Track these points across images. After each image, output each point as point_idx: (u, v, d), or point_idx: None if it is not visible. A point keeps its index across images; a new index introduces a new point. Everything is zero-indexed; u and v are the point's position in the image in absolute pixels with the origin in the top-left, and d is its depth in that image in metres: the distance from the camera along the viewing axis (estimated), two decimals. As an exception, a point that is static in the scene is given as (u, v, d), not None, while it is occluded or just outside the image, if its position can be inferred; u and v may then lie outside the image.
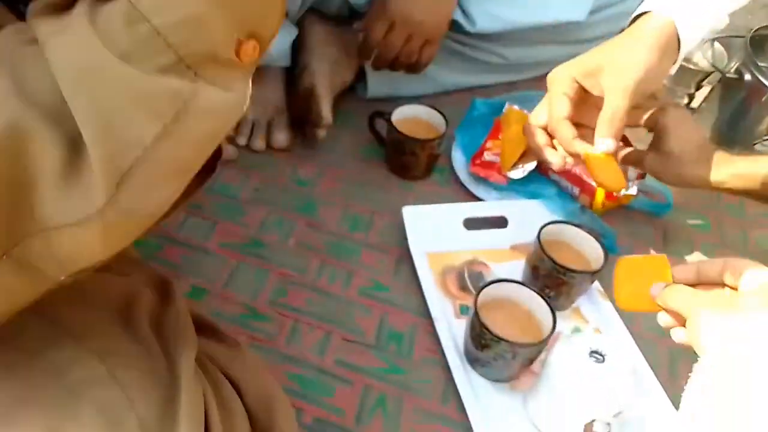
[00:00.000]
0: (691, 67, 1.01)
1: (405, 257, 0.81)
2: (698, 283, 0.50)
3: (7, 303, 0.34)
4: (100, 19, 0.30)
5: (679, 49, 0.68)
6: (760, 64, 0.94)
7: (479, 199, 0.90)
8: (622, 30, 0.74)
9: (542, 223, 0.76)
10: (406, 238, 0.81)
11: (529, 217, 0.84)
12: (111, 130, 0.30)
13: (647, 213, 0.92)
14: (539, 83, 1.09)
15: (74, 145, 0.30)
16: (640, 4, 1.02)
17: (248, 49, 0.33)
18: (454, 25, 0.98)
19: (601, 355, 0.61)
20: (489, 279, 0.78)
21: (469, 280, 0.79)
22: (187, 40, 0.30)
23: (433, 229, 0.82)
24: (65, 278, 0.33)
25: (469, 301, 0.76)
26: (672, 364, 0.73)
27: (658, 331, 0.52)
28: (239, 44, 0.32)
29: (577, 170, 0.88)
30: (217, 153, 0.39)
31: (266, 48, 0.34)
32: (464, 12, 0.97)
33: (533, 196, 0.90)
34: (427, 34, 0.91)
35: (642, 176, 0.89)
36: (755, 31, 0.97)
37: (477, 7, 0.96)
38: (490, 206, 0.87)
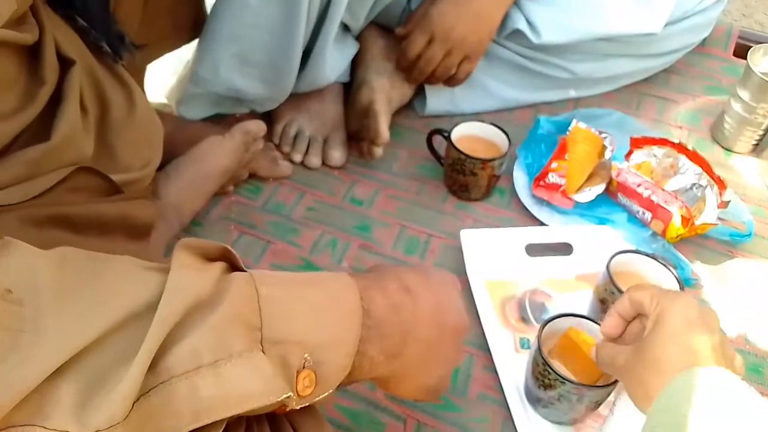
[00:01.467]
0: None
1: (462, 284, 0.77)
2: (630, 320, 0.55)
3: None
4: None
5: None
6: None
7: (542, 224, 0.85)
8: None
9: (611, 252, 0.71)
10: (463, 264, 0.77)
11: (597, 244, 0.79)
12: None
13: (724, 242, 0.85)
14: (609, 100, 1.04)
15: None
16: (716, 15, 0.95)
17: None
18: (518, 37, 0.94)
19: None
20: (552, 310, 0.74)
21: (531, 311, 0.74)
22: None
23: (493, 255, 0.78)
24: None
25: (530, 334, 0.72)
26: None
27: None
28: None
29: (651, 195, 0.82)
30: None
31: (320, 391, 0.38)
32: (529, 22, 0.92)
33: (601, 221, 0.84)
34: (468, 51, 0.88)
35: (725, 204, 0.83)
36: None
37: (543, 17, 0.92)
38: (554, 231, 0.82)
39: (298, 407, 0.38)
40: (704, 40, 1.07)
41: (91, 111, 0.55)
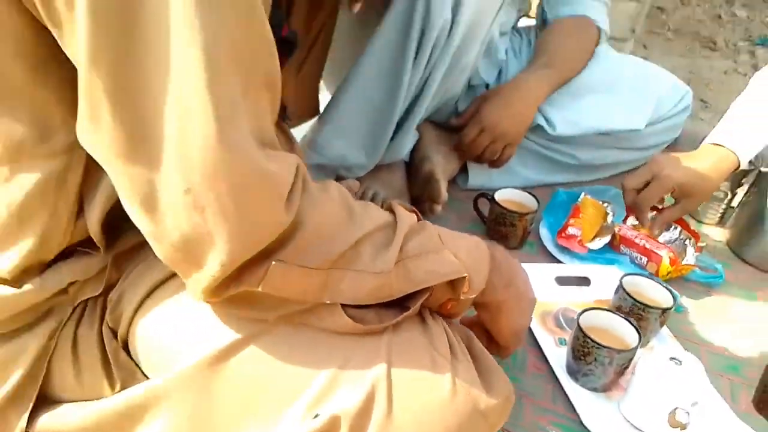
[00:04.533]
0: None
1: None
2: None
3: None
4: None
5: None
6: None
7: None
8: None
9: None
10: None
11: (608, 278, 1.05)
12: None
13: (703, 284, 1.12)
14: (606, 181, 1.34)
15: None
16: (683, 121, 1.31)
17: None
18: (538, 129, 1.25)
19: (678, 360, 0.80)
20: (580, 319, 0.98)
21: (564, 321, 0.99)
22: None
23: (533, 284, 1.03)
24: None
25: (565, 336, 0.96)
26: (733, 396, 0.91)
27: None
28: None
29: (645, 244, 1.10)
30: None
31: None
32: (546, 119, 1.24)
33: (609, 263, 1.11)
34: (509, 140, 1.18)
35: (700, 249, 1.11)
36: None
37: (557, 115, 1.24)
38: (576, 268, 1.09)
39: (461, 299, 0.62)
40: (676, 139, 1.40)
41: None
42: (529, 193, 1.16)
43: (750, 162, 1.15)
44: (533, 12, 1.43)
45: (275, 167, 0.48)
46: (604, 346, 0.82)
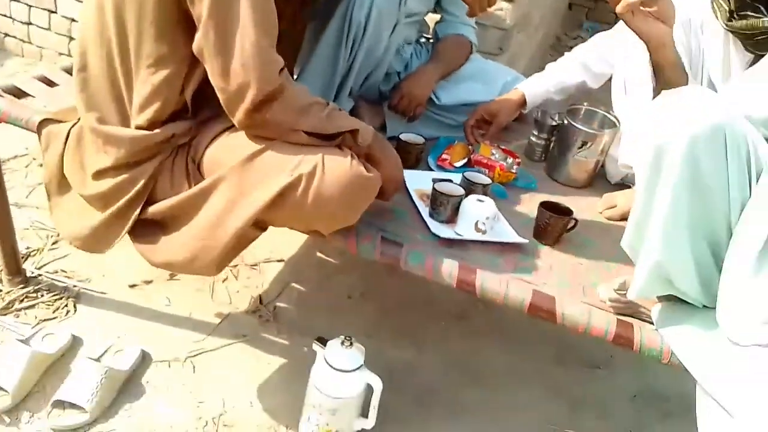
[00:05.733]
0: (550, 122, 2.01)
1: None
2: None
3: None
4: None
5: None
6: (573, 122, 1.93)
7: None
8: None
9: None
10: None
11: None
12: None
13: (524, 188, 1.87)
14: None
15: None
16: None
17: None
18: (431, 102, 2.01)
19: (482, 200, 1.53)
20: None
21: (430, 195, 1.72)
22: None
23: (421, 182, 1.77)
24: None
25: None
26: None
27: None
28: None
29: (486, 161, 1.85)
30: None
31: None
32: (436, 96, 2.00)
33: (464, 171, 1.85)
34: (419, 101, 1.94)
35: (519, 164, 1.86)
36: (571, 105, 1.98)
37: (442, 93, 2.01)
38: (445, 175, 1.83)
39: (359, 143, 1.34)
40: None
41: None
42: (420, 135, 1.90)
43: (557, 118, 1.92)
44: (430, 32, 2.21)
45: (279, 58, 1.22)
46: (445, 194, 1.55)
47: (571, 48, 2.07)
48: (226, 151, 1.33)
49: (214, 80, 1.22)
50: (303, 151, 1.27)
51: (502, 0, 2.21)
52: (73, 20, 3.18)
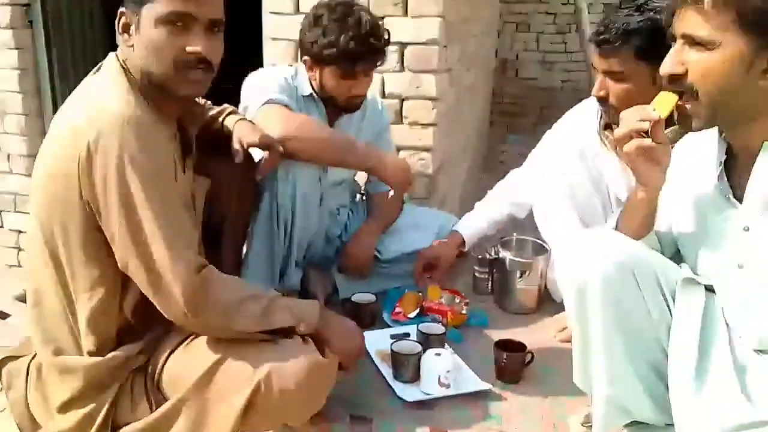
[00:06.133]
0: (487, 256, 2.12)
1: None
2: None
3: None
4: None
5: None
6: (508, 254, 2.05)
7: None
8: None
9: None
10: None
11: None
12: None
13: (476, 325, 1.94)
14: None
15: None
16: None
17: None
18: (375, 258, 2.11)
19: (439, 353, 1.59)
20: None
21: (392, 357, 1.77)
22: None
23: (379, 343, 1.82)
24: None
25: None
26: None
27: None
28: None
29: (437, 308, 1.92)
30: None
31: None
32: (377, 250, 2.11)
33: (421, 322, 1.92)
34: (366, 261, 2.04)
35: (467, 306, 1.95)
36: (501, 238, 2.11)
37: (382, 246, 2.11)
38: (402, 329, 1.89)
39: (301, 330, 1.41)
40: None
41: None
42: (371, 292, 1.99)
43: (496, 252, 2.04)
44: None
45: (193, 257, 1.29)
46: (404, 354, 1.61)
47: (502, 162, 2.24)
48: (184, 367, 1.36)
49: (146, 292, 1.29)
50: (258, 351, 1.32)
51: (422, 151, 2.38)
52: (20, 232, 3.25)
